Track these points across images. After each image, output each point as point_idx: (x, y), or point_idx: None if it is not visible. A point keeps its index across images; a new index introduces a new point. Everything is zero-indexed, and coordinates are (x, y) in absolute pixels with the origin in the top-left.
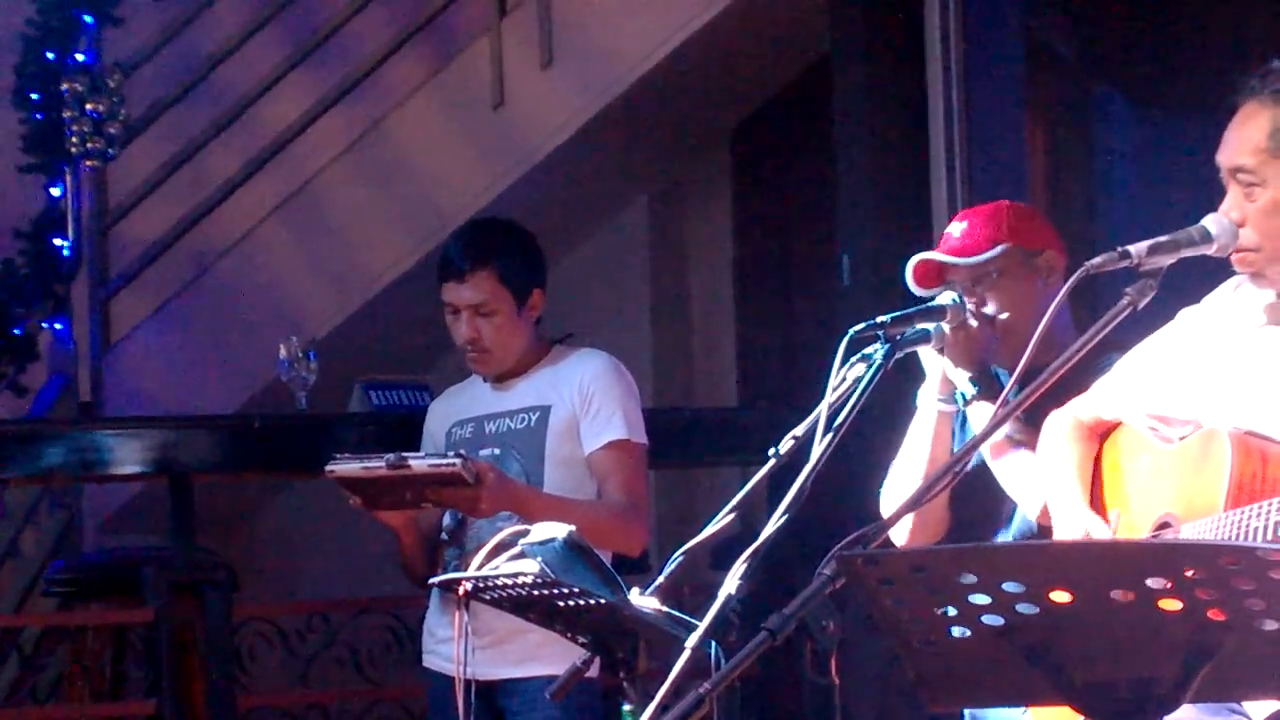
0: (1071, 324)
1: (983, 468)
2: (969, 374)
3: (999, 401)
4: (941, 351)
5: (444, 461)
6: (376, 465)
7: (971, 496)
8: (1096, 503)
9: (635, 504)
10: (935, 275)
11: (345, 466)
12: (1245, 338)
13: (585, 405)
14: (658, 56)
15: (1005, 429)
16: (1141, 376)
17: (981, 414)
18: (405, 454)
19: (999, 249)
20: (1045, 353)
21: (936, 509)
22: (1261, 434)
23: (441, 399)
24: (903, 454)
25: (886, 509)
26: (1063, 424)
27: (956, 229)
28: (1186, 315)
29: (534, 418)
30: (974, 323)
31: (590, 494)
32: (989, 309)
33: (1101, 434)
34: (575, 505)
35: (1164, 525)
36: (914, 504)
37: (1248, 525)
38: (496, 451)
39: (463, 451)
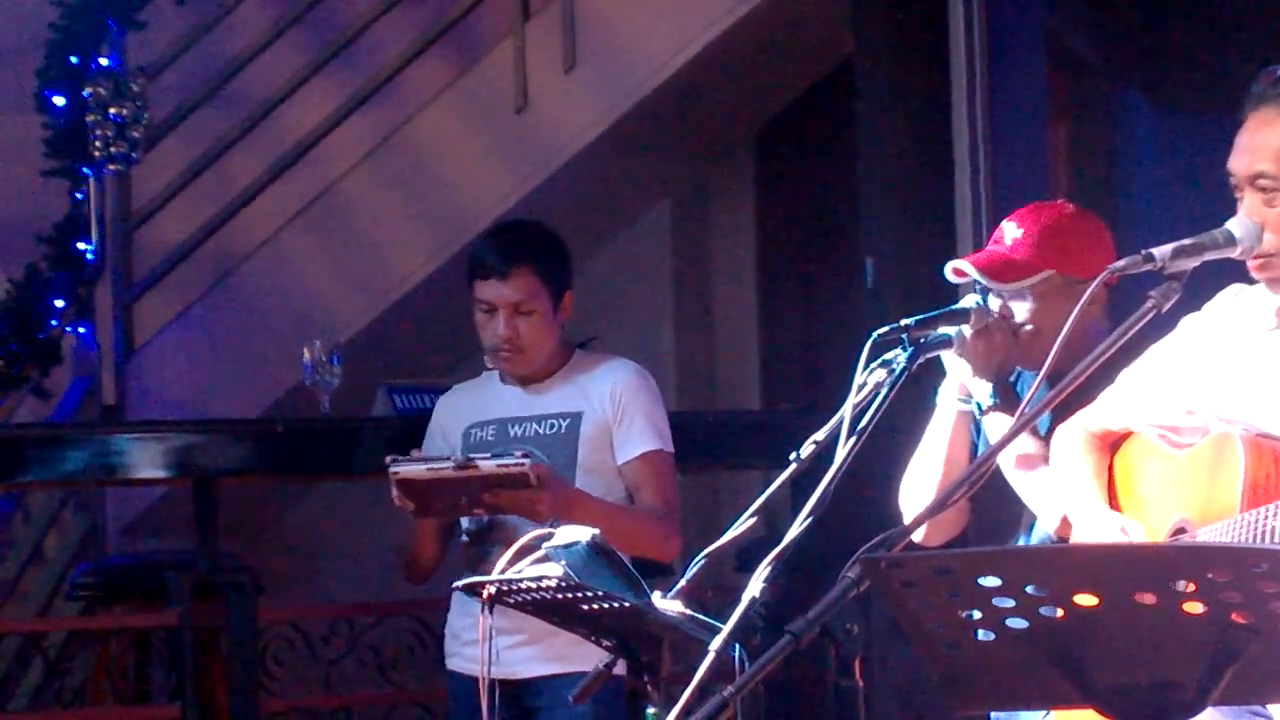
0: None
1: (1001, 473)
2: (988, 383)
3: (1020, 408)
4: (960, 355)
5: (512, 462)
6: (442, 466)
7: (991, 502)
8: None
9: (671, 512)
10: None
11: (409, 468)
12: (1255, 341)
13: (618, 415)
14: (681, 60)
15: (1031, 446)
16: (1148, 385)
17: (997, 424)
18: (472, 455)
19: (1037, 277)
20: (1075, 360)
21: (956, 506)
22: (1274, 435)
23: (451, 395)
24: (920, 451)
25: (905, 505)
26: (1073, 436)
27: (1008, 234)
28: (1189, 323)
29: (564, 424)
30: (998, 335)
31: (617, 501)
32: (1016, 319)
33: (1111, 444)
34: (622, 511)
35: (1180, 531)
36: (935, 510)
37: (1265, 526)
38: (520, 454)
39: (528, 450)
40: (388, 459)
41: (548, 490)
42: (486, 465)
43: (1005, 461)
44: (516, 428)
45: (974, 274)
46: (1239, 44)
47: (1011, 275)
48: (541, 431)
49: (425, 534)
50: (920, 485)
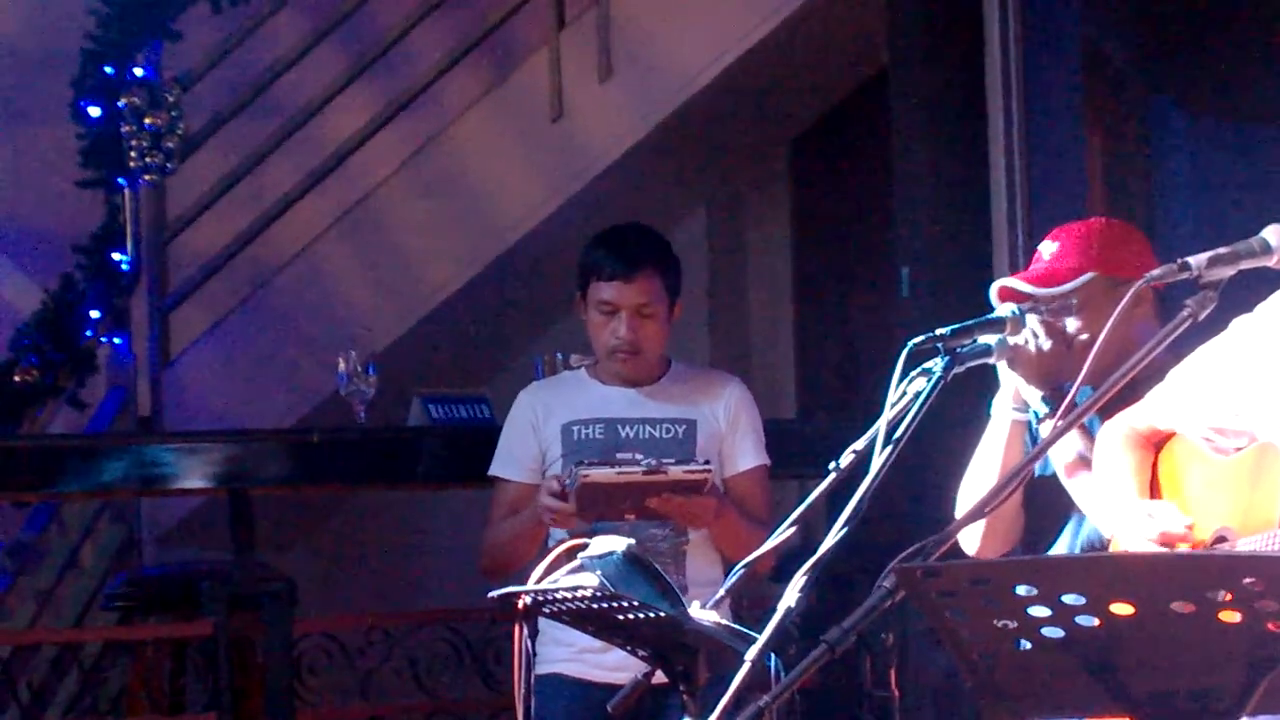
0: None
1: (1054, 480)
2: (1041, 392)
3: (1060, 412)
4: (1011, 366)
5: (699, 468)
6: (631, 470)
7: (1042, 507)
8: None
9: (773, 523)
10: (1018, 294)
11: (599, 471)
12: None
13: (732, 428)
14: (717, 69)
15: (1079, 448)
16: (1197, 387)
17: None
18: (663, 460)
19: (1082, 279)
20: (1119, 366)
21: (1008, 517)
22: None
23: (536, 392)
24: (975, 461)
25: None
26: (1118, 433)
27: (1047, 250)
28: (1240, 324)
29: (681, 430)
30: (1047, 343)
31: None
32: (1069, 330)
33: (1157, 443)
34: (750, 522)
35: (1220, 539)
36: (975, 516)
37: None
38: (639, 456)
39: (708, 458)
40: (575, 464)
41: (715, 498)
42: (675, 471)
43: (1060, 468)
44: (627, 429)
45: (1022, 286)
46: (1274, 53)
47: (1056, 281)
48: (657, 435)
49: (537, 539)
50: (976, 496)
